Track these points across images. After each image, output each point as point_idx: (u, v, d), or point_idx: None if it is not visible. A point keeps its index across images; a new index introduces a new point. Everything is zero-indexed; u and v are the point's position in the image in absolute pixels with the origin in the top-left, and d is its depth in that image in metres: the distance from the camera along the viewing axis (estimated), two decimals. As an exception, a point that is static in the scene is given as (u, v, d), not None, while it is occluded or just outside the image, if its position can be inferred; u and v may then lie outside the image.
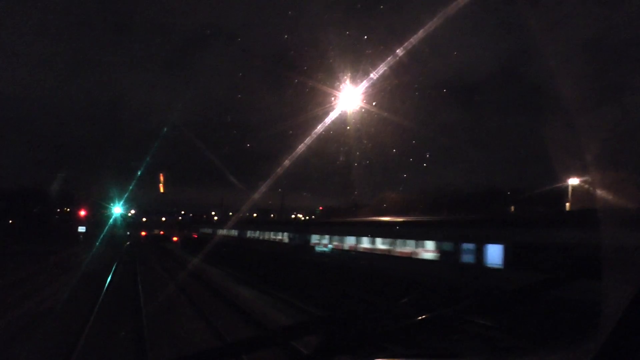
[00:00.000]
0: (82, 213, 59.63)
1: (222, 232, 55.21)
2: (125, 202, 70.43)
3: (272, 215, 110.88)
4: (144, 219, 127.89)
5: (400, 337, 1.84)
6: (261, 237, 45.05)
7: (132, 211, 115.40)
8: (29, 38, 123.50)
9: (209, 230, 70.88)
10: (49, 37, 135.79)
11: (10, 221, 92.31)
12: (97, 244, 51.23)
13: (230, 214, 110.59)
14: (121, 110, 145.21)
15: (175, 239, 75.34)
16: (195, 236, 75.43)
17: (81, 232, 57.80)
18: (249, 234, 48.55)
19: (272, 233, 42.65)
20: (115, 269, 28.54)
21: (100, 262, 32.63)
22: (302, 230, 33.17)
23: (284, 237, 38.73)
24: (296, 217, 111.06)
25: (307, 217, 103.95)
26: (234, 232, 53.39)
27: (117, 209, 63.08)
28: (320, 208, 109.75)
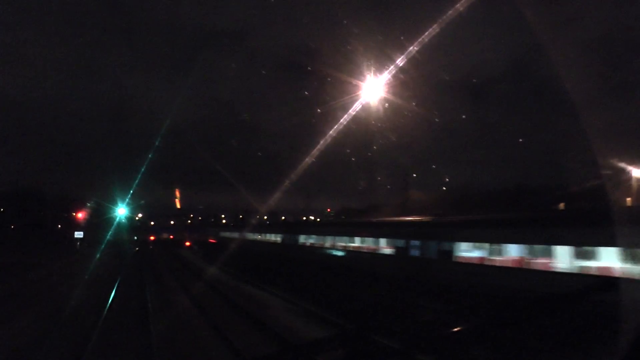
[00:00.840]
0: (80, 215, 48.29)
1: (253, 236, 43.68)
2: (132, 205, 60.09)
3: (282, 217, 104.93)
4: (152, 223, 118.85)
5: (426, 348, 2.04)
6: (328, 245, 31.19)
7: (140, 215, 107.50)
8: (35, 42, 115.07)
9: (231, 234, 58.97)
10: (55, 40, 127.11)
11: (12, 226, 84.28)
12: (98, 252, 40.17)
13: (241, 216, 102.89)
14: (128, 113, 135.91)
15: (187, 243, 65.31)
16: (214, 241, 64.16)
17: (78, 239, 46.45)
18: (302, 239, 35.08)
19: (348, 238, 29.25)
20: (112, 300, 17.26)
21: (94, 284, 21.35)
22: (436, 234, 19.89)
23: (377, 244, 25.66)
24: (308, 219, 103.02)
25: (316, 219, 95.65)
26: (273, 237, 41.16)
27: (121, 210, 51.84)
28: (329, 210, 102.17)
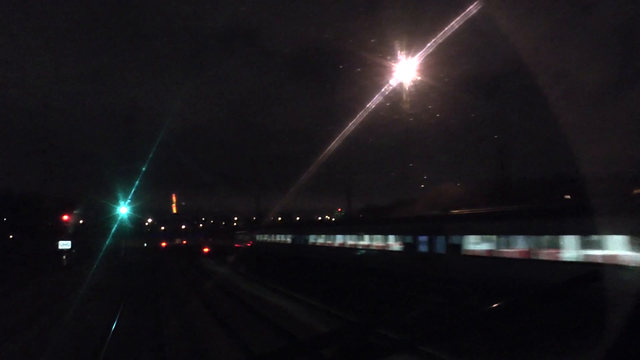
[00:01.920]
0: (65, 218, 35.58)
1: (318, 240, 30.19)
2: (140, 209, 48.30)
3: (297, 217, 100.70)
4: (162, 228, 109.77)
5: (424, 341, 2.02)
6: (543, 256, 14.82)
7: (150, 220, 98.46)
8: (41, 48, 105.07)
9: (271, 238, 45.29)
10: (61, 46, 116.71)
11: (11, 236, 74.53)
12: (92, 267, 27.76)
13: (254, 218, 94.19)
14: (136, 117, 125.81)
15: (206, 250, 53.79)
16: (239, 246, 52.10)
17: (65, 250, 33.60)
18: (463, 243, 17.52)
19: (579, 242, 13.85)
20: None
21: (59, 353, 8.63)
22: None
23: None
24: (323, 220, 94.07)
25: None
26: (367, 241, 25.13)
27: (123, 209, 39.10)
28: (339, 210, 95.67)
